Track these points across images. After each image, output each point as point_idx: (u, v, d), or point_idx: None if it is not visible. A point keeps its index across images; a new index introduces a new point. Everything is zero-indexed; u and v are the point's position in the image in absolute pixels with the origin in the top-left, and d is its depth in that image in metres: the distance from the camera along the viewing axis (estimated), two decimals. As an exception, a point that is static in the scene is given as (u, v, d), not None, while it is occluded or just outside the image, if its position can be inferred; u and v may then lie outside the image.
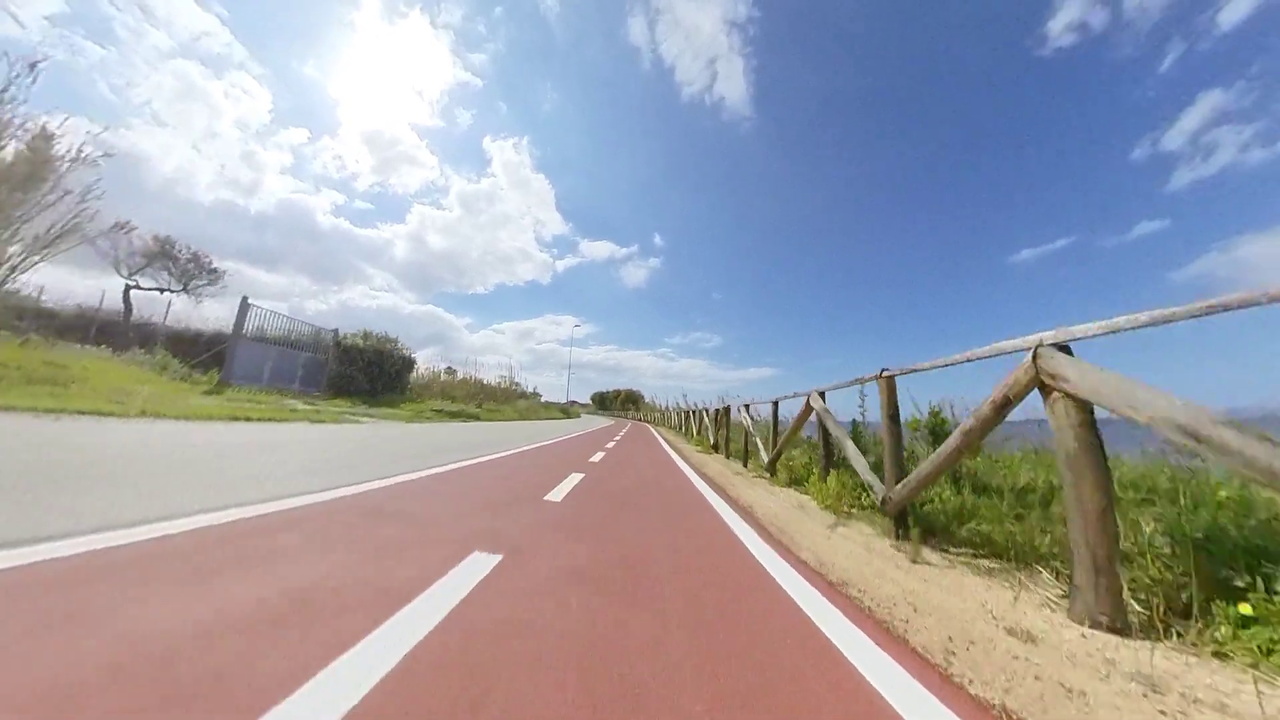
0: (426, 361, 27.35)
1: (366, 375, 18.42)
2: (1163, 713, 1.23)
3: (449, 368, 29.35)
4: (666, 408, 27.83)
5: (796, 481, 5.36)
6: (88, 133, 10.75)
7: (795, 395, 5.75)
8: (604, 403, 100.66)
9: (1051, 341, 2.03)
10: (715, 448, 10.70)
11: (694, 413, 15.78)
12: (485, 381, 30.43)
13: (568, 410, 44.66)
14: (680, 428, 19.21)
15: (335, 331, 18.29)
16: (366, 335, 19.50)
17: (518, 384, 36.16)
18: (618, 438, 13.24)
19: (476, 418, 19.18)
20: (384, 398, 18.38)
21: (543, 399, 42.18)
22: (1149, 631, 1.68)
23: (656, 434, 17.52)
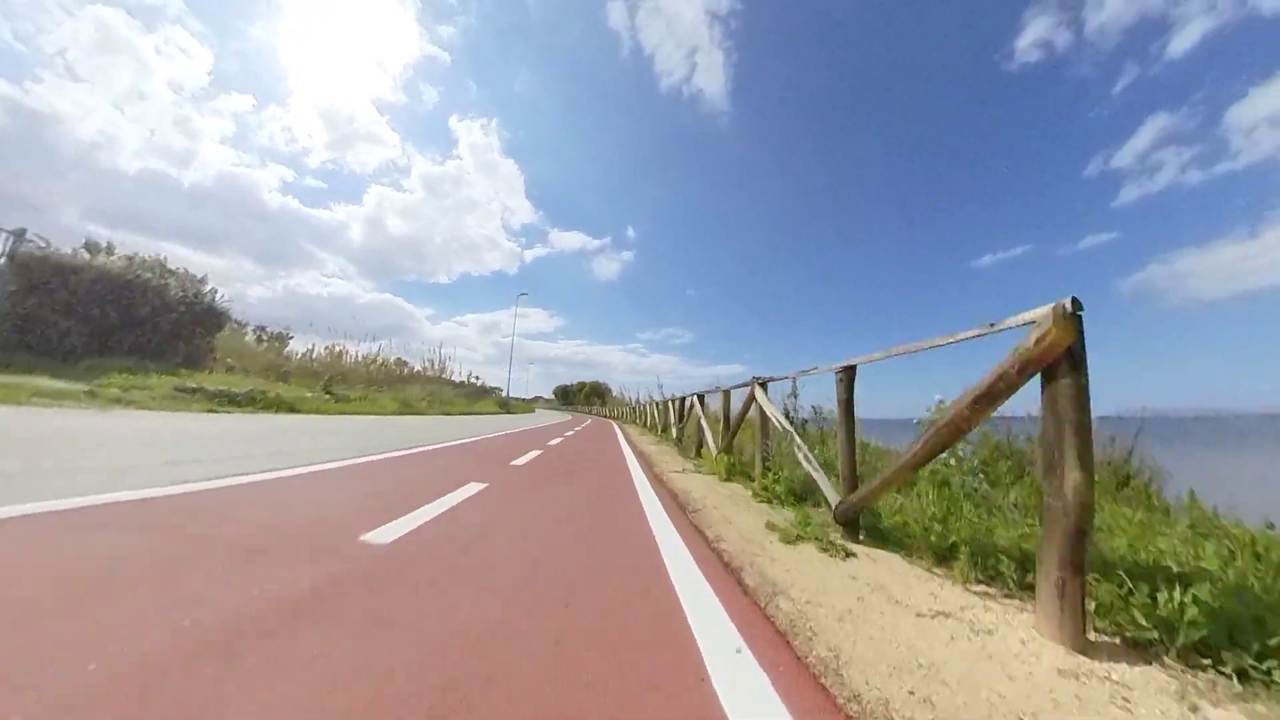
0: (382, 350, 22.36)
1: (87, 323, 10.88)
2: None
3: (331, 346, 20.58)
4: (638, 401, 21.59)
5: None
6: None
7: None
8: (567, 396, 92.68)
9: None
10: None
11: (670, 403, 11.74)
12: (369, 357, 21.31)
13: (507, 404, 33.37)
14: (659, 426, 12.87)
15: (13, 236, 10.33)
16: (94, 248, 12.24)
17: (441, 367, 29.05)
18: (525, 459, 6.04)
19: (292, 409, 10.97)
20: (125, 362, 10.55)
21: (504, 392, 36.73)
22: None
23: (621, 439, 10.87)
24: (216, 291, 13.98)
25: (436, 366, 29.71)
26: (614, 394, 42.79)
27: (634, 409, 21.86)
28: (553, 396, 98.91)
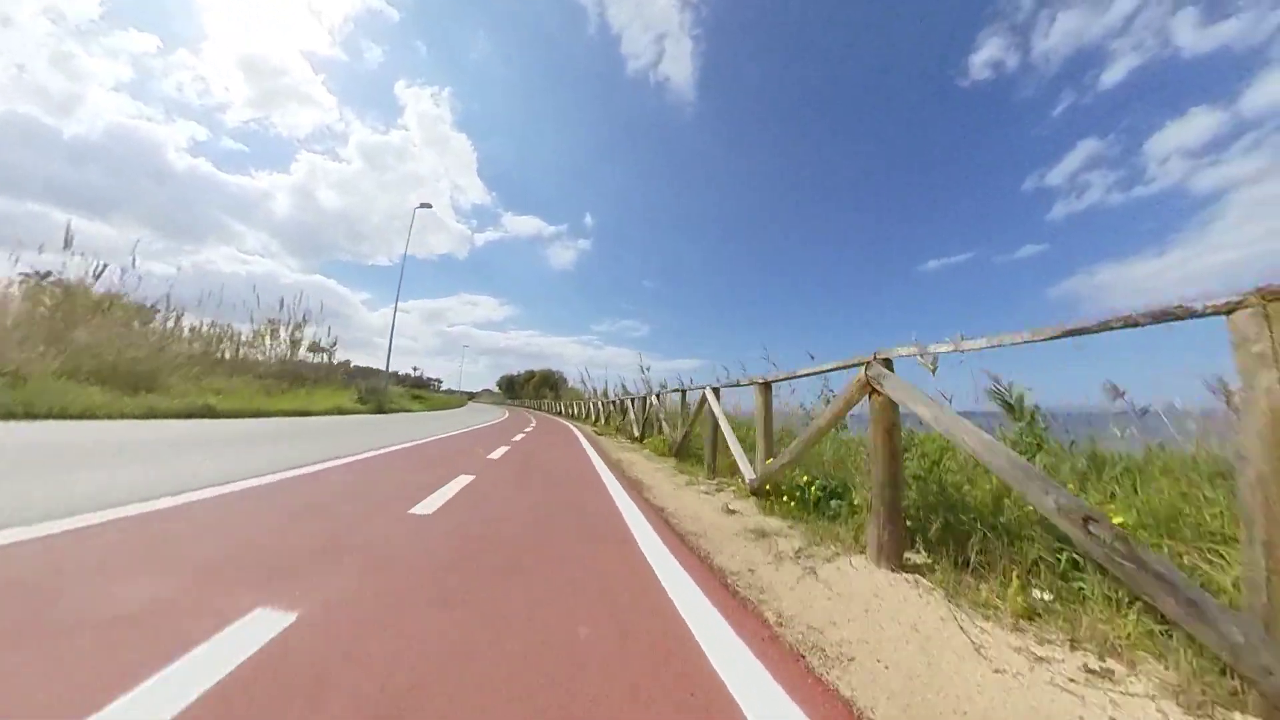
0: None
1: None
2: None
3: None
4: (599, 394, 17.26)
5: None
6: None
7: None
8: (513, 389, 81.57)
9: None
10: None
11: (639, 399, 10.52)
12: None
13: (380, 399, 20.30)
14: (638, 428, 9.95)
15: None
16: None
17: (294, 331, 16.79)
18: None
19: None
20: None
21: (443, 385, 35.01)
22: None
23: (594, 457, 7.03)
24: None
25: (284, 339, 16.92)
26: (570, 385, 34.53)
27: (600, 406, 16.19)
28: (498, 389, 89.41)
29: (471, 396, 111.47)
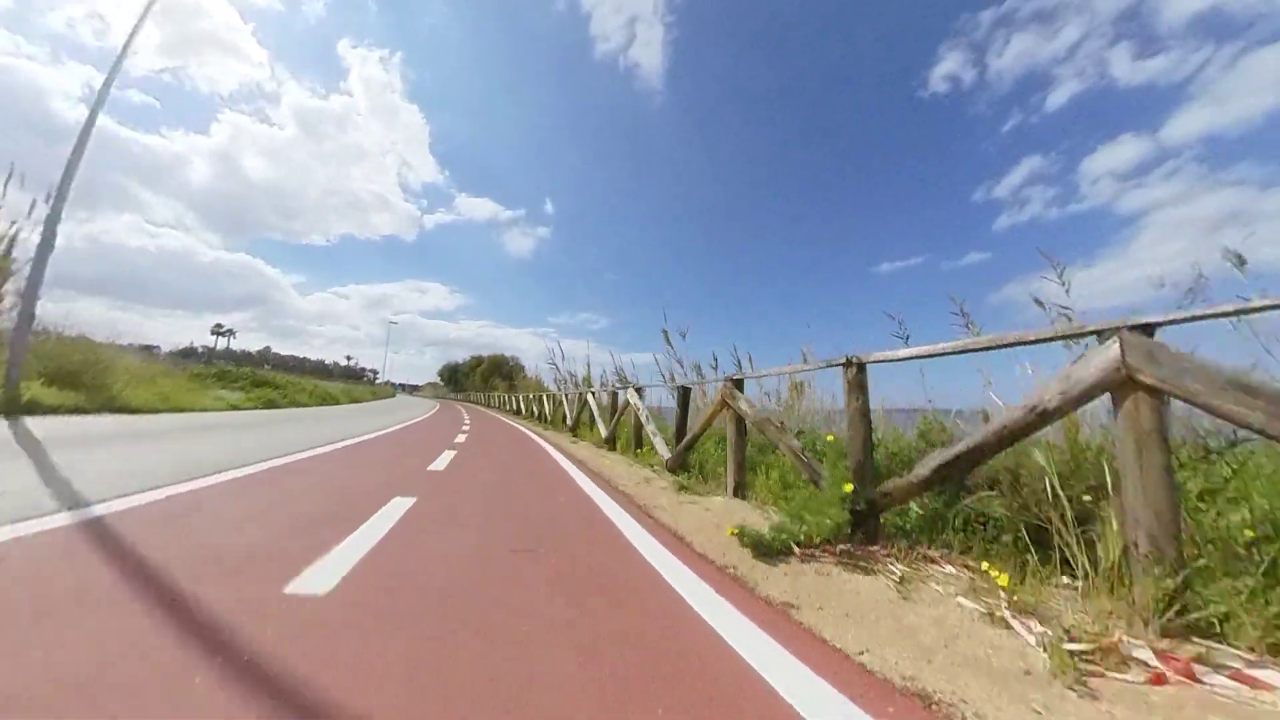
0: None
1: None
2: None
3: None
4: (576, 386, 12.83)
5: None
6: None
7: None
8: (456, 380, 71.17)
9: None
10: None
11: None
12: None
13: (331, 392, 20.59)
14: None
15: None
16: None
17: None
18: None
19: None
20: None
21: (381, 377, 29.72)
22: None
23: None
24: None
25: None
26: (529, 374, 27.53)
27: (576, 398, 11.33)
28: (440, 381, 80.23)
29: (413, 390, 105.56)
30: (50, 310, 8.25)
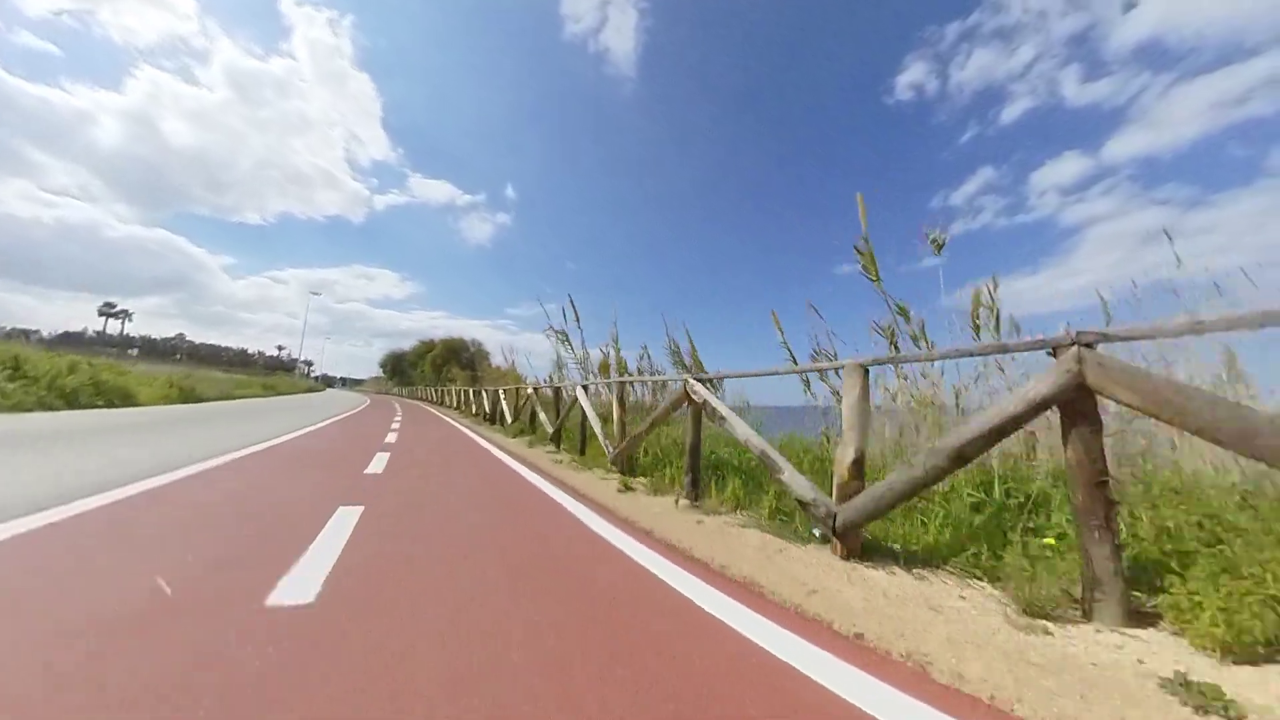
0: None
1: None
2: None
3: None
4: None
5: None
6: None
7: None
8: (401, 371, 57.71)
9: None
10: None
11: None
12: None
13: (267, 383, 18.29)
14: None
15: None
16: None
17: None
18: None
19: None
20: None
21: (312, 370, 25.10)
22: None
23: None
24: None
25: None
26: (496, 364, 19.16)
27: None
28: (382, 373, 67.32)
29: (355, 385, 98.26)
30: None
